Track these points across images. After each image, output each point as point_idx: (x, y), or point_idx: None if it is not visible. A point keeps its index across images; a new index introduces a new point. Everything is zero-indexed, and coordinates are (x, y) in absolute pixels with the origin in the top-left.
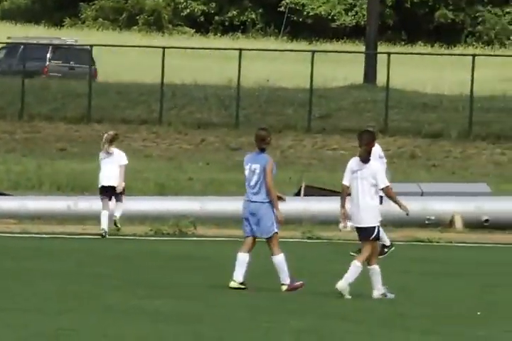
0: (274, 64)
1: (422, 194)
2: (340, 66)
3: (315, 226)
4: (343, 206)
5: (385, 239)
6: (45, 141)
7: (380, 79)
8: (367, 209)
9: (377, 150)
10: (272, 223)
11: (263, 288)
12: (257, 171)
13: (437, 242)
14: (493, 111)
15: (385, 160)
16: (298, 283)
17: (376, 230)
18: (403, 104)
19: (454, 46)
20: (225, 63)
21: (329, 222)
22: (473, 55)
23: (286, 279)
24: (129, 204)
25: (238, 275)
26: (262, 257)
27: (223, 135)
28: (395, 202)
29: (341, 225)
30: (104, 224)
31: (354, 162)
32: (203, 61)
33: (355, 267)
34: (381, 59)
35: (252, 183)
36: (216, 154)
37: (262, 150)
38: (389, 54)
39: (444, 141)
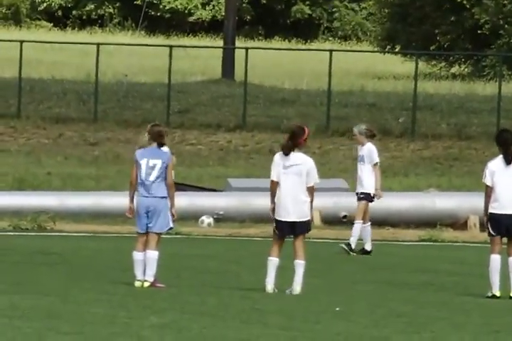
0: (132, 58)
1: None
2: (197, 61)
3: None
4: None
5: None
6: None
7: (238, 74)
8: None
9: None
10: (169, 219)
11: (121, 283)
12: (158, 166)
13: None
14: (350, 106)
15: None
16: (160, 285)
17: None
18: (261, 99)
19: (312, 41)
20: (83, 58)
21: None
22: (331, 51)
23: (151, 277)
24: None
25: (140, 275)
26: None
27: (82, 130)
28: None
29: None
30: None
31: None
32: (60, 55)
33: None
34: (239, 54)
35: (151, 178)
36: (74, 149)
37: (161, 145)
38: (247, 49)
39: None
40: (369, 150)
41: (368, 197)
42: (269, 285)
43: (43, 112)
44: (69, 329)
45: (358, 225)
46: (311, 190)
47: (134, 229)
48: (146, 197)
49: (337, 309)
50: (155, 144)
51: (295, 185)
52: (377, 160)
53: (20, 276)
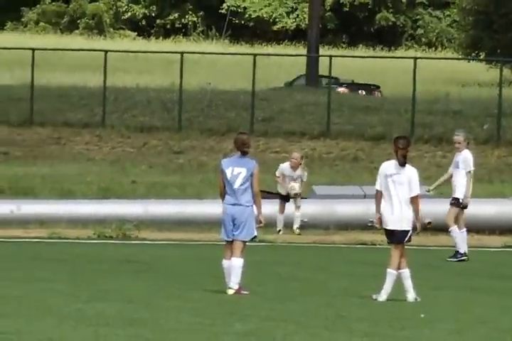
0: (216, 67)
1: (365, 196)
2: (282, 69)
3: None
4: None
5: None
6: None
7: (322, 82)
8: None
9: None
10: (253, 227)
11: (205, 290)
12: (243, 175)
13: (380, 245)
14: (435, 114)
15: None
16: (244, 292)
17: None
18: (345, 107)
19: (396, 49)
20: (167, 66)
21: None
22: (415, 58)
23: (235, 284)
24: (71, 207)
25: (231, 283)
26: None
27: (166, 138)
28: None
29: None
30: None
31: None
32: (145, 64)
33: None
34: (323, 62)
35: (236, 186)
36: (159, 157)
37: (245, 153)
38: (330, 57)
39: (386, 144)
40: (466, 158)
41: (457, 203)
42: (384, 295)
43: (128, 121)
44: (153, 337)
45: (454, 229)
46: (415, 200)
47: (217, 237)
48: (232, 205)
49: (422, 316)
50: (239, 153)
51: (402, 194)
52: (472, 168)
53: (105, 284)
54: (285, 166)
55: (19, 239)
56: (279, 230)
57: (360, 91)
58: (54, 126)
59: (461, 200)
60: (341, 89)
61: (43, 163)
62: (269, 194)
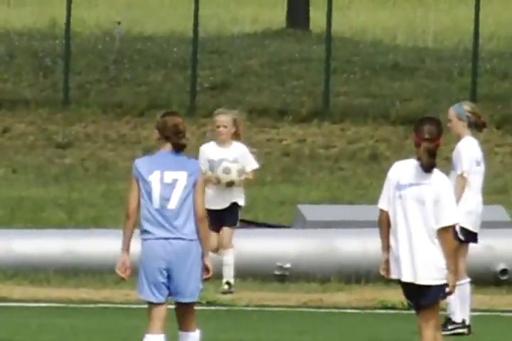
0: None
1: None
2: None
3: None
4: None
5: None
6: None
7: (317, 21)
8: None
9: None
10: (200, 278)
11: None
12: (182, 184)
13: None
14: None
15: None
16: None
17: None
18: (356, 65)
19: None
20: None
21: None
22: None
23: None
24: None
25: None
26: None
27: (42, 121)
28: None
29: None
30: None
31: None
32: None
33: None
34: None
35: (171, 206)
36: (29, 154)
37: (180, 147)
38: None
39: None
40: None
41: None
42: None
43: None
44: None
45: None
46: (447, 235)
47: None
48: (165, 239)
49: None
50: (169, 146)
51: (424, 220)
52: (463, 168)
53: None
54: (208, 146)
55: None
56: (227, 283)
57: None
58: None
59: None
60: None
61: None
62: (246, 223)
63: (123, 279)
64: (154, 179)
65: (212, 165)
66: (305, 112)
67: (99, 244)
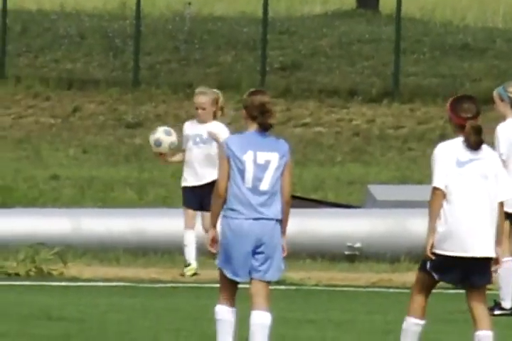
0: None
1: None
2: None
3: None
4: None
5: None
6: None
7: (384, 3)
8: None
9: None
10: (282, 257)
11: None
12: (274, 165)
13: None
14: None
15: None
16: None
17: None
18: (426, 46)
19: None
20: None
21: None
22: None
23: None
24: None
25: None
26: None
27: (112, 100)
28: None
29: None
30: None
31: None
32: None
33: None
34: None
35: (264, 187)
36: (99, 134)
37: (268, 127)
38: None
39: None
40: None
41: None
42: None
43: (45, 70)
44: None
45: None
46: (502, 208)
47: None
48: (255, 220)
49: None
50: (255, 127)
51: (489, 195)
52: (500, 150)
53: None
54: (189, 123)
55: None
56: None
57: None
58: None
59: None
60: None
61: None
62: (311, 202)
63: (214, 254)
64: (248, 159)
65: (188, 139)
66: (375, 92)
67: (169, 224)
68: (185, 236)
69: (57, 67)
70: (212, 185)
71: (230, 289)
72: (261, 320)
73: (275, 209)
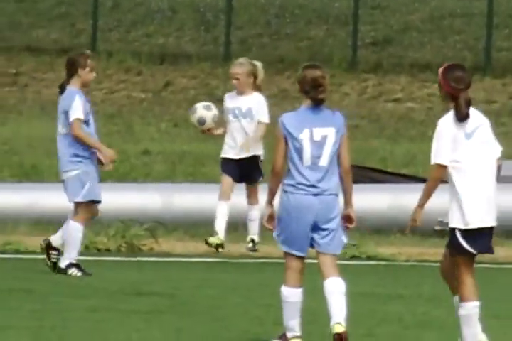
0: None
1: None
2: None
3: None
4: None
5: None
6: None
7: None
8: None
9: None
10: (343, 232)
11: None
12: (331, 140)
13: None
14: None
15: None
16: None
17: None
18: None
19: None
20: None
21: None
22: None
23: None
24: (33, 198)
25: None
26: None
27: (204, 75)
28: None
29: None
30: None
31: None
32: None
33: None
34: None
35: (323, 163)
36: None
37: (320, 102)
38: None
39: None
40: None
41: None
42: None
43: (136, 44)
44: None
45: None
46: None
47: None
48: (314, 195)
49: None
50: (309, 102)
51: (490, 161)
52: None
53: (103, 337)
54: (229, 95)
55: None
56: (252, 240)
57: None
58: (6, 51)
59: None
60: None
61: None
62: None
63: (271, 230)
64: (305, 137)
65: (227, 112)
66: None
67: (260, 198)
68: (218, 208)
69: (148, 42)
70: (251, 159)
71: (296, 267)
72: (336, 286)
73: (333, 184)
